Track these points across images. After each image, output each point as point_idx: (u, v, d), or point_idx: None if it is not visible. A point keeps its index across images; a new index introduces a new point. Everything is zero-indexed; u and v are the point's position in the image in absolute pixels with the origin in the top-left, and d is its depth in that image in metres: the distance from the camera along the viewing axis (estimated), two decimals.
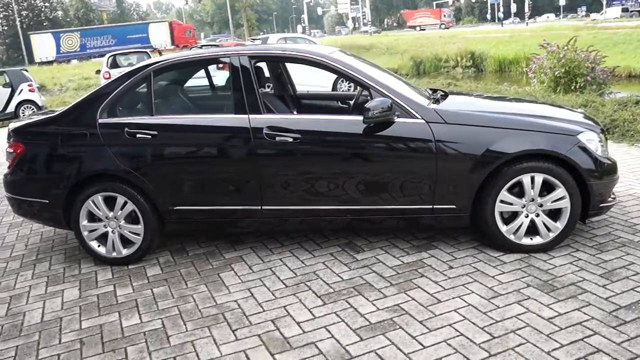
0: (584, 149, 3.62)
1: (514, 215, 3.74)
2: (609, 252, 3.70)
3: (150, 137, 3.86)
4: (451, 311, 3.11)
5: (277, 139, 3.72)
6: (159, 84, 4.12)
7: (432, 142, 3.62)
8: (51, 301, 3.63)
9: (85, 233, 4.06)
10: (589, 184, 3.64)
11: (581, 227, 4.13)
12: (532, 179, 3.62)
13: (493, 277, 3.47)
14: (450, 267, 3.64)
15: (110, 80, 4.07)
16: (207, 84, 4.93)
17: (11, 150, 4.11)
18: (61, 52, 20.94)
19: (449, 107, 3.88)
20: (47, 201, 4.04)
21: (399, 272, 3.63)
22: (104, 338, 3.13)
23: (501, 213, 3.73)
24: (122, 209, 3.98)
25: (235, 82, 3.86)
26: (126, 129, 3.88)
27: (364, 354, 2.79)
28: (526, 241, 3.76)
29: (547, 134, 3.63)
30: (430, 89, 4.76)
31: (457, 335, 2.88)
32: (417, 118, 3.67)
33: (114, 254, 4.05)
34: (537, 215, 3.70)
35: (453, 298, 3.25)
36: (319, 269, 3.76)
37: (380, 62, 22.46)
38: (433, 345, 2.82)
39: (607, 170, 3.71)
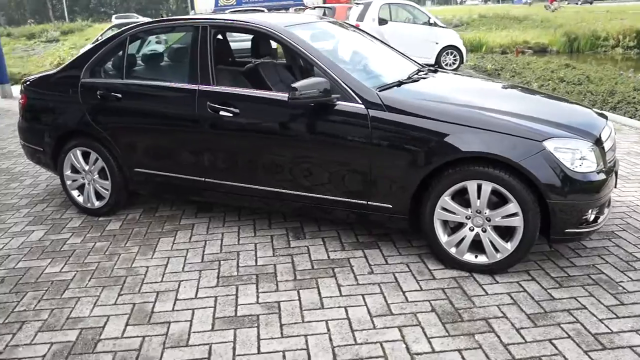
0: (549, 159, 2.95)
1: (460, 226, 3.23)
2: (568, 290, 3.03)
3: (116, 99, 4.00)
4: (321, 321, 2.82)
5: (221, 112, 3.61)
6: (133, 48, 4.22)
7: (368, 130, 3.24)
8: (16, 239, 4.01)
9: (68, 182, 4.40)
10: (549, 203, 2.98)
11: (566, 250, 3.44)
12: (479, 187, 3.07)
13: (404, 292, 3.05)
14: (371, 272, 3.28)
15: (99, 42, 4.27)
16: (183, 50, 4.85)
17: (20, 101, 4.56)
18: (219, 5, 22.27)
19: (398, 92, 3.42)
20: (42, 149, 4.45)
21: (315, 267, 3.37)
22: (21, 280, 3.40)
23: (446, 222, 3.24)
24: (94, 164, 4.24)
25: (192, 50, 3.80)
26: (98, 90, 4.07)
27: (198, 345, 2.68)
28: (469, 258, 3.23)
29: (504, 135, 3.02)
30: (429, 66, 4.28)
31: (301, 349, 2.61)
32: (358, 103, 3.29)
33: (89, 205, 4.34)
34: (484, 231, 3.15)
35: (338, 307, 2.93)
36: (246, 250, 3.64)
37: (529, 35, 20.57)
38: (269, 353, 2.60)
39: (581, 189, 2.99)
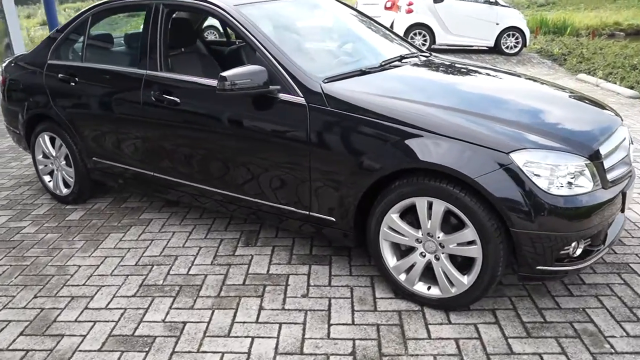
0: (516, 176, 2.33)
1: (411, 250, 2.68)
2: (536, 343, 2.42)
3: (73, 83, 3.75)
4: (217, 353, 2.40)
5: (165, 102, 3.24)
6: (95, 29, 3.92)
7: (306, 130, 2.74)
8: None
9: (40, 167, 4.24)
10: (512, 232, 2.36)
11: (556, 286, 2.79)
12: (430, 206, 2.51)
13: (330, 326, 2.57)
14: (305, 295, 2.82)
15: (67, 21, 4.02)
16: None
17: (1, 86, 4.43)
18: None
19: (351, 83, 2.87)
20: (18, 132, 4.31)
21: (247, 282, 2.95)
22: None
23: (397, 244, 2.71)
24: (59, 150, 4.04)
25: (144, 33, 3.44)
26: (59, 72, 3.84)
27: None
28: (420, 289, 2.68)
29: (463, 143, 2.42)
30: (424, 52, 3.67)
31: None
32: (298, 95, 2.80)
33: (57, 192, 4.16)
34: (437, 259, 2.58)
35: (246, 336, 2.51)
36: (186, 254, 3.29)
37: (622, 16, 18.37)
38: None
39: (559, 215, 2.33)
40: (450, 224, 2.53)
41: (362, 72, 3.02)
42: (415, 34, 11.96)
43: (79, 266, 3.22)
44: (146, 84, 3.33)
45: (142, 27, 3.47)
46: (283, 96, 2.83)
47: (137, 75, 3.39)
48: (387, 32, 3.93)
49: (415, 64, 3.37)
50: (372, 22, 3.95)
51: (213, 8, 3.15)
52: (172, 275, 3.07)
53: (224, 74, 2.76)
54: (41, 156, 4.19)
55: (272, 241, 3.41)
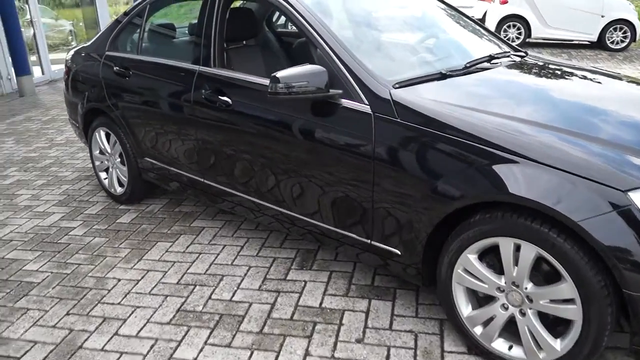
0: (634, 222, 1.77)
1: (490, 299, 2.17)
2: None
3: (127, 77, 3.49)
4: None
5: (217, 103, 2.89)
6: (153, 19, 3.63)
7: (371, 143, 2.29)
8: (31, 222, 3.78)
9: (96, 163, 4.07)
10: (626, 294, 1.81)
11: None
12: (518, 248, 1.99)
13: None
14: (360, 340, 2.38)
15: (128, 9, 3.78)
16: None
17: (64, 75, 4.28)
18: None
19: (428, 89, 2.37)
20: (77, 125, 4.16)
21: (296, 317, 2.55)
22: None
23: (473, 290, 2.21)
24: (114, 147, 3.83)
25: (199, 22, 3.10)
26: (115, 65, 3.60)
27: None
28: (500, 347, 2.17)
29: (566, 175, 1.88)
30: (517, 50, 3.10)
31: None
32: (364, 103, 2.34)
33: (112, 190, 3.97)
34: (523, 314, 2.06)
35: None
36: (233, 274, 2.94)
37: None
38: None
39: None
40: (543, 273, 2.00)
41: (442, 76, 2.52)
42: (508, 26, 11.05)
43: (119, 280, 2.96)
44: (198, 81, 3.00)
45: (197, 18, 3.13)
46: (345, 102, 2.39)
47: (190, 71, 3.07)
48: (475, 25, 3.38)
49: (508, 66, 2.82)
50: (457, 13, 3.40)
51: None
52: (214, 300, 2.73)
53: (277, 74, 2.36)
54: (98, 152, 4.01)
55: (331, 265, 2.99)
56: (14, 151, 5.55)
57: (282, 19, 5.02)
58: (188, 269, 3.03)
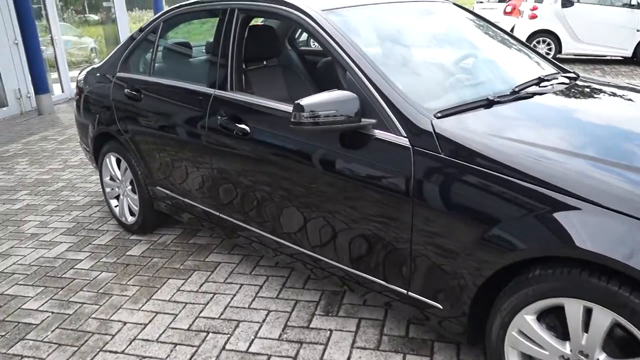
0: None
1: None
2: None
3: (138, 100, 3.25)
4: None
5: (234, 130, 2.62)
6: (169, 37, 3.39)
7: (409, 181, 1.99)
8: (36, 252, 3.53)
9: (107, 190, 3.82)
10: None
11: None
12: (589, 312, 1.66)
13: None
14: None
15: (140, 27, 3.54)
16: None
17: (75, 96, 4.06)
18: None
19: (475, 119, 2.07)
20: (88, 149, 3.93)
21: None
22: None
23: (529, 355, 1.88)
24: (124, 174, 3.58)
25: (214, 42, 2.85)
26: (126, 87, 3.36)
27: None
28: None
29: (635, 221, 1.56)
30: (568, 72, 2.77)
31: None
32: (401, 136, 2.04)
33: (123, 219, 3.71)
34: None
35: None
36: (250, 320, 2.64)
37: None
38: None
39: None
40: (618, 341, 1.66)
41: (489, 103, 2.20)
42: (538, 42, 10.68)
43: (124, 323, 2.69)
44: (213, 106, 2.74)
45: (213, 36, 2.88)
46: (379, 133, 2.09)
47: (205, 94, 2.81)
48: (514, 41, 3.06)
49: (561, 91, 2.49)
50: (499, 31, 3.10)
51: (294, 14, 2.48)
52: (229, 350, 2.43)
53: (302, 101, 2.07)
54: (108, 178, 3.77)
55: (359, 311, 2.68)
56: (27, 173, 5.36)
57: (304, 35, 4.78)
58: (201, 312, 2.74)
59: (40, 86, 8.27)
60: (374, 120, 2.10)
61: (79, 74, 4.05)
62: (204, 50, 3.60)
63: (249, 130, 2.54)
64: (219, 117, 2.68)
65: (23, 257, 3.48)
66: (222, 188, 2.79)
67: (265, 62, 3.15)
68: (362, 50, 2.25)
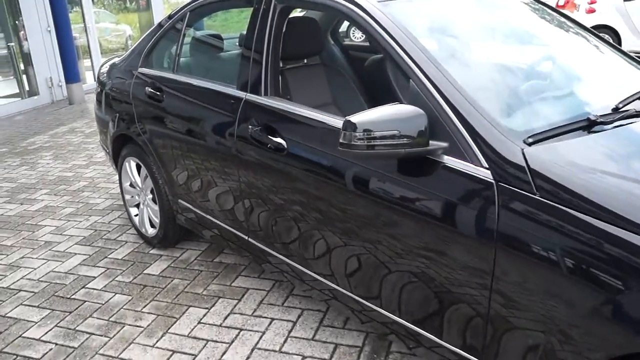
0: None
1: None
2: None
3: (160, 100, 2.86)
4: None
5: (268, 144, 2.19)
6: (194, 30, 2.97)
7: (491, 222, 1.52)
8: (47, 266, 3.20)
9: (127, 197, 3.46)
10: None
11: None
12: None
13: None
14: None
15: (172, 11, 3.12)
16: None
17: (96, 91, 3.70)
18: None
19: (576, 148, 1.58)
20: (107, 150, 3.57)
21: None
22: None
23: None
24: (144, 181, 3.21)
25: (247, 37, 2.42)
26: (147, 85, 2.97)
27: None
28: None
29: None
30: None
31: None
32: (481, 166, 1.58)
33: (143, 230, 3.35)
34: None
35: None
36: None
37: None
38: None
39: None
40: None
41: (590, 123, 1.71)
42: None
43: None
44: (244, 111, 2.32)
45: (246, 30, 2.45)
46: (450, 160, 1.63)
47: (235, 98, 2.39)
48: (593, 37, 2.53)
49: None
50: (583, 31, 2.57)
51: (344, 5, 2.02)
52: None
53: (354, 118, 1.63)
54: (128, 184, 3.40)
55: None
56: (50, 169, 5.07)
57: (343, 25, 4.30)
58: (224, 355, 2.34)
59: (72, 75, 8.04)
60: (445, 144, 1.64)
61: (101, 65, 3.68)
62: (237, 44, 3.18)
63: (285, 145, 2.11)
64: (250, 127, 2.26)
65: (33, 270, 3.15)
66: (252, 208, 2.37)
67: (305, 61, 2.72)
68: (429, 54, 1.78)
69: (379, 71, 2.87)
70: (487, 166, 1.55)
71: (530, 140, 1.58)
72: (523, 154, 1.51)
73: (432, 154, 1.65)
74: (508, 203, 1.49)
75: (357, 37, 12.75)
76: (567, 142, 1.60)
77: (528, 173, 1.48)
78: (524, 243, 1.46)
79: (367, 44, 3.81)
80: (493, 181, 1.53)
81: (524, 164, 1.49)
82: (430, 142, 1.63)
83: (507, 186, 1.51)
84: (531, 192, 1.46)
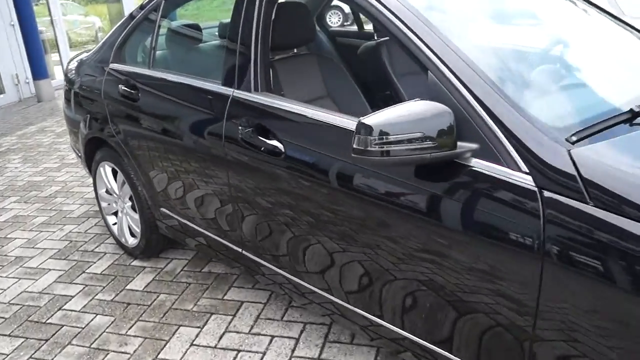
0: None
1: None
2: None
3: (135, 99, 2.57)
4: None
5: (261, 148, 1.94)
6: (169, 20, 2.69)
7: (535, 236, 1.30)
8: (19, 285, 2.91)
9: (103, 204, 3.17)
10: None
11: None
12: None
13: None
14: None
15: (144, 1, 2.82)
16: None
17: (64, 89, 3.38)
18: None
19: (618, 149, 1.35)
20: (79, 154, 3.28)
21: None
22: None
23: None
24: (122, 188, 2.93)
25: (232, 26, 2.15)
26: (120, 82, 2.68)
27: None
28: None
29: None
30: None
31: None
32: (520, 171, 1.35)
33: (122, 240, 3.07)
34: None
35: None
36: None
37: None
38: None
39: None
40: None
41: (634, 116, 1.48)
42: None
43: None
44: (232, 109, 2.05)
45: (231, 18, 2.17)
46: (479, 164, 1.40)
47: (220, 95, 2.12)
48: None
49: None
50: (613, 19, 2.33)
51: None
52: None
53: (368, 120, 1.38)
54: (104, 191, 3.12)
55: None
56: (19, 173, 4.74)
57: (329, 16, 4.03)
58: None
59: (39, 71, 7.63)
60: (475, 146, 1.41)
61: (69, 61, 3.37)
62: (217, 34, 2.90)
63: (282, 149, 1.85)
64: (240, 128, 1.99)
65: (2, 291, 2.86)
66: (246, 219, 2.12)
67: (295, 50, 2.46)
68: (452, 43, 1.54)
69: (374, 59, 2.63)
70: (527, 170, 1.32)
71: (574, 138, 1.35)
72: (570, 156, 1.29)
73: (460, 157, 1.42)
74: (555, 213, 1.27)
75: (332, 22, 12.43)
76: (614, 140, 1.37)
77: (578, 179, 1.25)
78: (579, 260, 1.24)
79: (353, 29, 3.57)
80: (535, 188, 1.30)
81: (572, 170, 1.27)
82: (459, 143, 1.39)
83: (551, 193, 1.28)
84: (583, 200, 1.24)
